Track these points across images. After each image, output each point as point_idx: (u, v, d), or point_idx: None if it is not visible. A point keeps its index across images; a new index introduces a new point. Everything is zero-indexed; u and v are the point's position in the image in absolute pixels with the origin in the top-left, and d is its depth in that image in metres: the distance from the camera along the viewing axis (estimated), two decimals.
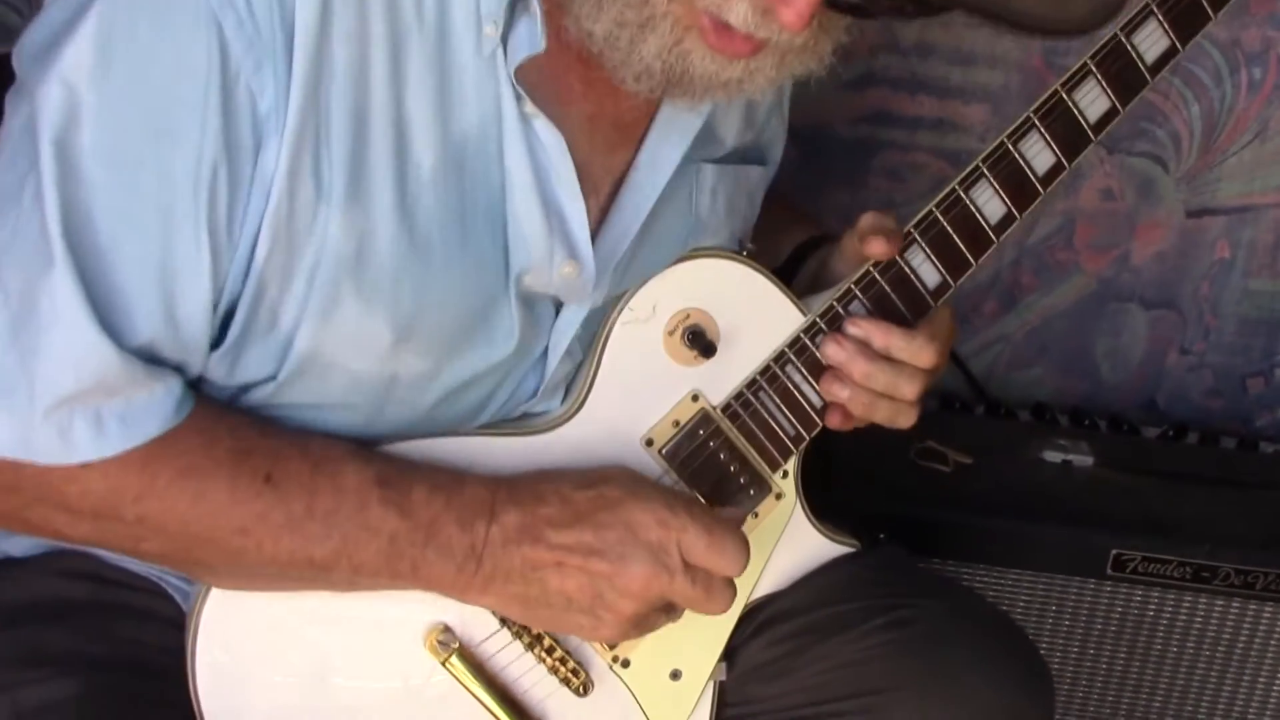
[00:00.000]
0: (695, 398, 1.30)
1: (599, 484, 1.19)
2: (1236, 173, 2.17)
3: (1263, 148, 2.15)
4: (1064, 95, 1.33)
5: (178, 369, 1.11)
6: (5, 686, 1.16)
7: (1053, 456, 2.00)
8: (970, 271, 1.35)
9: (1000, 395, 2.23)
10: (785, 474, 1.34)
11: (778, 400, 1.31)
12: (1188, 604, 1.88)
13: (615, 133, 1.22)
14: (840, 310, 1.31)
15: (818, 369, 1.31)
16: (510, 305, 1.19)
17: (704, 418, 1.30)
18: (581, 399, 1.27)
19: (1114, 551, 1.85)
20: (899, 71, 2.09)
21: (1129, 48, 1.34)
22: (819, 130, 2.11)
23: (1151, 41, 1.35)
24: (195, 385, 1.14)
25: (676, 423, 1.29)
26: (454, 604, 1.21)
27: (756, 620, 1.37)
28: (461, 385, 1.21)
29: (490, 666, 1.26)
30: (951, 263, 1.34)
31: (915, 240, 1.32)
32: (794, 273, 1.40)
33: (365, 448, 1.18)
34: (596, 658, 1.30)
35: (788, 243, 1.42)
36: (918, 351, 1.28)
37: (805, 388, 1.32)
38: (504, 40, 1.11)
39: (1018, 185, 1.34)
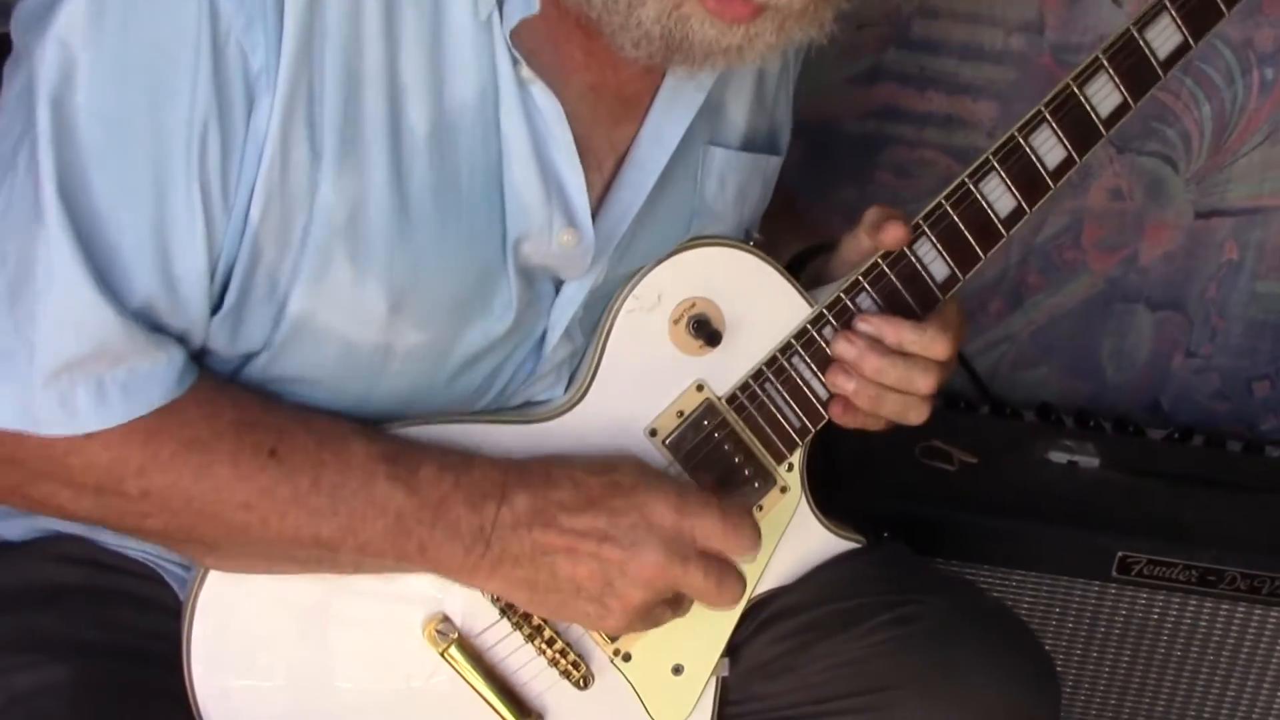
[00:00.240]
0: (700, 388, 1.28)
1: (611, 470, 1.18)
2: (1246, 174, 2.16)
3: (1273, 149, 2.14)
4: (1075, 89, 1.32)
5: (180, 340, 1.10)
6: None
7: (1058, 457, 1.98)
8: (979, 265, 1.33)
9: (1004, 395, 2.22)
10: (790, 467, 1.33)
11: (783, 392, 1.30)
12: (1193, 608, 1.87)
13: (619, 105, 1.21)
14: (848, 302, 1.30)
15: (824, 361, 1.30)
16: (508, 276, 1.17)
17: (709, 408, 1.28)
18: (585, 388, 1.26)
19: (1119, 554, 1.83)
20: (908, 67, 2.08)
21: (1141, 43, 1.33)
22: (826, 125, 2.10)
23: (1164, 37, 1.33)
24: (199, 360, 1.13)
25: (681, 413, 1.28)
26: (454, 594, 1.20)
27: (760, 616, 1.36)
28: (460, 363, 1.20)
29: (489, 657, 1.24)
30: (960, 256, 1.32)
31: (924, 233, 1.30)
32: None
33: (370, 426, 1.17)
34: (598, 650, 1.28)
35: (786, 251, 1.41)
36: (930, 343, 1.27)
37: (811, 380, 1.30)
38: (500, 4, 1.10)
39: (1028, 179, 1.32)
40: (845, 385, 1.28)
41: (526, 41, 1.11)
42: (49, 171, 1.02)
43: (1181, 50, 1.34)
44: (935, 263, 1.31)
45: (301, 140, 1.06)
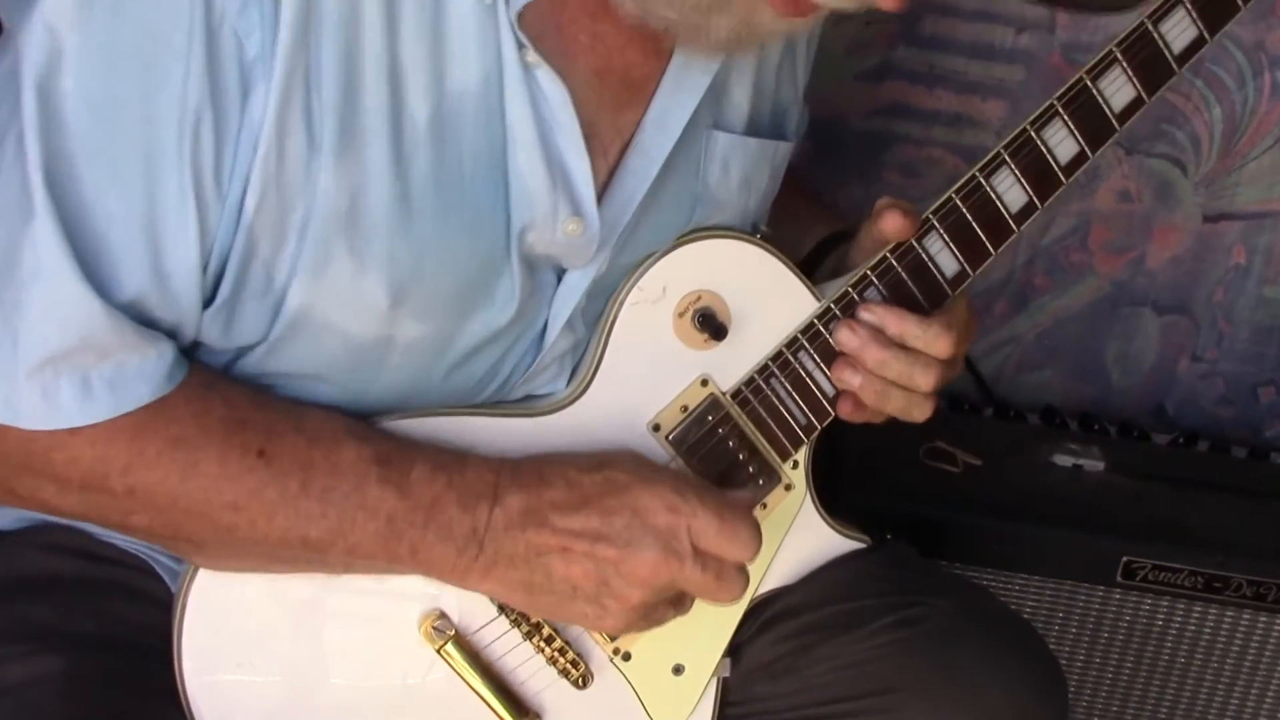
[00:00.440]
0: (704, 382, 1.26)
1: (605, 467, 1.16)
2: (1256, 177, 2.14)
3: None
4: (1089, 83, 1.30)
5: (171, 334, 1.08)
6: None
7: (1063, 460, 1.97)
8: (989, 262, 1.32)
9: (1008, 397, 2.20)
10: (795, 464, 1.32)
11: (789, 387, 1.28)
12: (1197, 614, 1.86)
13: (624, 90, 1.18)
14: (855, 297, 1.28)
15: (831, 356, 1.28)
16: (511, 266, 1.15)
17: (713, 403, 1.27)
18: (587, 381, 1.24)
19: (1124, 558, 1.82)
20: (916, 64, 2.07)
21: (1156, 36, 1.31)
22: (833, 122, 2.08)
23: (1179, 31, 1.32)
24: (190, 354, 1.11)
25: (685, 408, 1.26)
26: (451, 590, 1.18)
27: (762, 616, 1.34)
28: (461, 356, 1.18)
29: (486, 655, 1.22)
30: (970, 251, 1.30)
31: (934, 227, 1.29)
32: (814, 268, 1.37)
33: (365, 425, 1.15)
34: (597, 649, 1.26)
35: (809, 238, 1.40)
36: (933, 340, 1.25)
37: (818, 375, 1.29)
38: None
39: (1040, 173, 1.30)
40: (851, 380, 1.26)
41: (531, 25, 1.09)
42: (36, 159, 0.99)
43: (1197, 45, 1.32)
44: (945, 258, 1.30)
45: (299, 129, 1.03)
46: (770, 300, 1.27)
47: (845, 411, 1.29)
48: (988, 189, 1.29)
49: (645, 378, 1.25)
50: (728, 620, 1.30)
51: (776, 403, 1.28)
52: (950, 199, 1.29)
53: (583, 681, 1.26)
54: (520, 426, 1.22)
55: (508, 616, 1.22)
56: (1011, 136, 1.29)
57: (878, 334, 1.25)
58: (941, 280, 1.30)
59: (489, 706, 1.22)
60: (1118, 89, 1.31)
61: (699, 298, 1.25)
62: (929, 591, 1.34)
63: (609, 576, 1.13)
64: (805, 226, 1.42)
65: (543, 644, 1.24)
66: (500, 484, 1.13)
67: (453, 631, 1.20)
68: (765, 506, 1.30)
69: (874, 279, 1.28)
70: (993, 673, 1.27)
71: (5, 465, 1.07)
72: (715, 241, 1.26)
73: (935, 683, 1.27)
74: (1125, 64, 1.30)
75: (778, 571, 1.34)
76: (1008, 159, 1.29)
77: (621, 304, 1.24)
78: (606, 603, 1.15)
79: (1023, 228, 1.32)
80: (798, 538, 1.34)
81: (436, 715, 1.22)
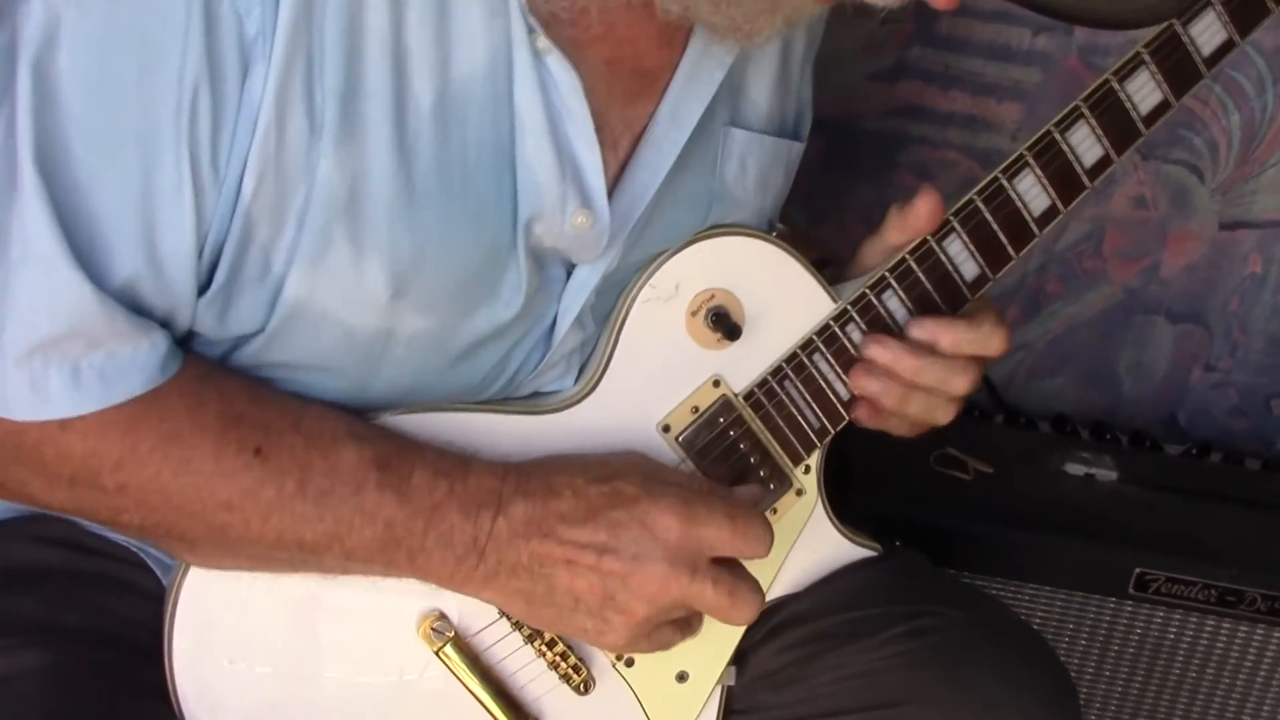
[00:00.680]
0: (716, 383, 1.24)
1: (614, 478, 1.13)
2: (1274, 186, 2.12)
3: None
4: (1115, 85, 1.28)
5: (165, 323, 1.05)
6: None
7: (1075, 469, 1.95)
8: (1010, 266, 1.30)
9: (1019, 404, 2.18)
10: (807, 469, 1.29)
11: (803, 390, 1.26)
12: (1210, 628, 1.83)
13: (636, 81, 1.16)
14: (872, 298, 1.26)
15: (847, 360, 1.26)
16: (518, 259, 1.12)
17: (725, 405, 1.24)
18: (596, 379, 1.21)
19: (1137, 570, 1.80)
20: (932, 64, 2.04)
21: (1186, 39, 1.29)
22: (846, 122, 2.06)
23: (1210, 33, 1.29)
24: (185, 345, 1.08)
25: (696, 408, 1.23)
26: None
27: (769, 623, 1.32)
28: (466, 351, 1.15)
29: (486, 658, 1.20)
30: (991, 255, 1.28)
31: (954, 228, 1.26)
32: None
33: (365, 425, 1.12)
34: (599, 655, 1.24)
35: None
36: (986, 339, 1.25)
37: (833, 378, 1.26)
38: None
39: (1063, 177, 1.28)
40: (869, 386, 1.24)
41: (541, 10, 1.06)
42: (26, 138, 0.97)
43: (1226, 48, 1.30)
44: (965, 261, 1.28)
45: (299, 111, 1.01)
46: (785, 300, 1.25)
47: (863, 417, 1.27)
48: (1010, 191, 1.27)
49: (656, 377, 1.23)
50: (734, 627, 1.27)
51: (790, 405, 1.26)
52: (971, 201, 1.26)
53: (584, 687, 1.23)
54: (526, 424, 1.20)
55: (509, 619, 1.19)
56: (1035, 138, 1.27)
57: (908, 343, 1.24)
58: (961, 283, 1.28)
59: (488, 711, 1.19)
60: (1146, 93, 1.28)
61: (713, 296, 1.22)
62: (940, 601, 1.32)
63: (615, 591, 1.11)
64: None
65: (544, 648, 1.21)
66: (505, 492, 1.10)
67: (452, 633, 1.18)
68: (775, 511, 1.28)
69: (892, 281, 1.26)
70: (1005, 686, 1.25)
71: None
72: (731, 239, 1.23)
73: (946, 696, 1.24)
74: (1153, 66, 1.28)
75: (786, 578, 1.32)
76: (1031, 161, 1.27)
77: (633, 301, 1.21)
78: (610, 617, 1.12)
79: (1045, 231, 1.29)
80: (807, 544, 1.31)
81: (433, 718, 1.20)
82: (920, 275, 1.26)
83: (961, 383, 1.24)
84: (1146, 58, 1.27)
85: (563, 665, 1.22)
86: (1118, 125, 1.28)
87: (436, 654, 1.17)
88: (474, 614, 1.18)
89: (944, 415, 1.26)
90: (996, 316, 1.27)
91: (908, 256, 1.25)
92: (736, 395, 1.24)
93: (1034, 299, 2.20)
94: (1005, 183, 1.26)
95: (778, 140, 1.29)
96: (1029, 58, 2.03)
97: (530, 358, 1.20)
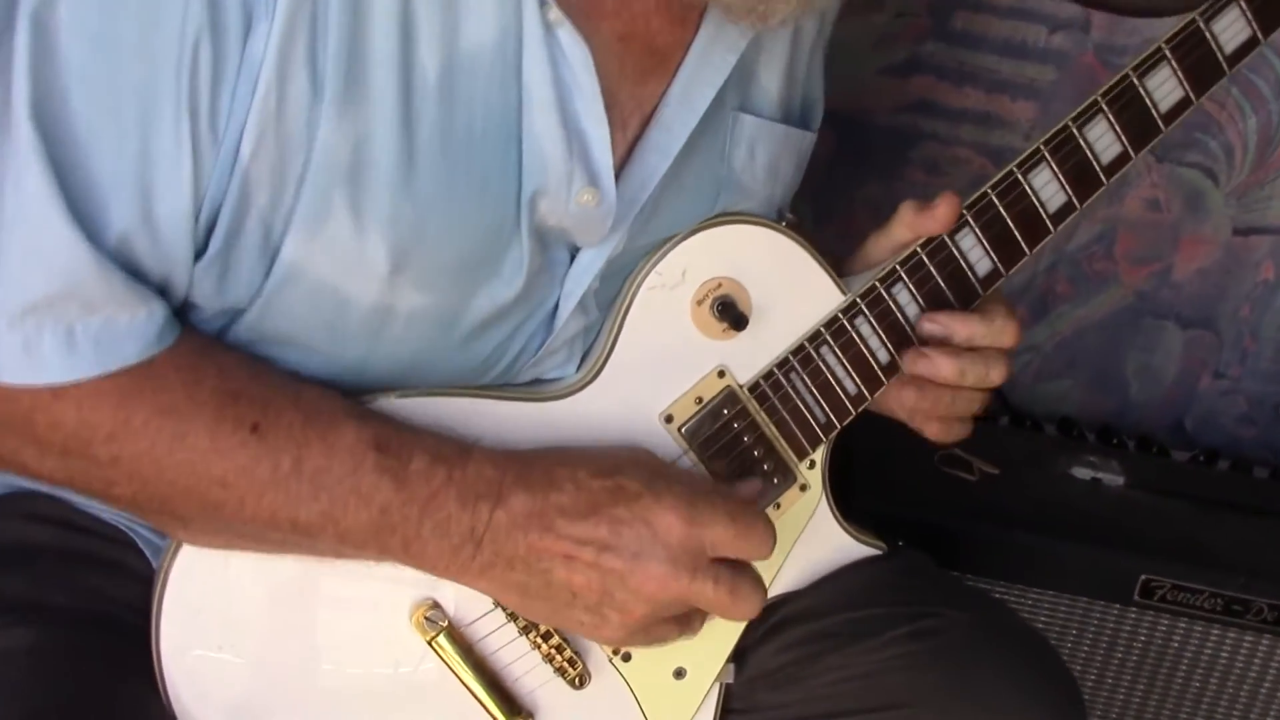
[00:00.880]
0: (721, 374, 1.22)
1: (616, 473, 1.11)
2: None
3: None
4: (1135, 80, 1.26)
5: (162, 290, 1.03)
6: None
7: (1082, 473, 1.92)
8: (1023, 262, 1.28)
9: (1024, 406, 2.15)
10: (812, 464, 1.27)
11: (809, 384, 1.24)
12: (1215, 637, 1.82)
13: (648, 59, 1.14)
14: (882, 291, 1.24)
15: (855, 354, 1.24)
16: (521, 237, 1.11)
17: (729, 396, 1.22)
18: (598, 367, 1.19)
19: (1143, 577, 1.78)
20: (946, 60, 2.02)
21: (1208, 35, 1.27)
22: (857, 117, 2.03)
23: (1233, 31, 1.28)
24: (183, 319, 1.06)
25: (699, 399, 1.21)
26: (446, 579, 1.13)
27: (770, 621, 1.30)
28: (466, 332, 1.13)
29: (480, 649, 1.18)
30: (1004, 250, 1.27)
31: (967, 222, 1.25)
32: None
33: (365, 408, 1.10)
34: (595, 648, 1.22)
35: None
36: (999, 332, 1.24)
37: (840, 372, 1.24)
38: None
39: (1080, 173, 1.26)
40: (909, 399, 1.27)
41: None
42: (23, 91, 0.94)
43: (1249, 46, 1.29)
44: (977, 255, 1.26)
45: (301, 73, 0.98)
46: (794, 291, 1.23)
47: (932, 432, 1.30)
48: (1025, 186, 1.25)
49: (659, 366, 1.20)
50: (733, 624, 1.25)
51: (796, 399, 1.24)
52: (986, 194, 1.25)
53: (579, 681, 1.21)
54: (526, 411, 1.17)
55: (504, 609, 1.17)
56: (1053, 132, 1.25)
57: (945, 346, 1.23)
58: (973, 279, 1.26)
59: (480, 703, 1.17)
60: (1167, 89, 1.27)
61: (719, 285, 1.20)
62: (944, 603, 1.30)
63: (613, 588, 1.09)
64: None
65: (539, 640, 1.19)
66: (505, 483, 1.08)
67: (445, 622, 1.16)
68: (779, 507, 1.26)
69: (903, 274, 1.24)
70: (1010, 692, 1.23)
71: None
72: (739, 227, 1.21)
73: (949, 700, 1.22)
74: (1174, 63, 1.26)
75: (787, 575, 1.30)
76: (1048, 156, 1.25)
77: (638, 287, 1.19)
78: (607, 613, 1.10)
79: (1059, 228, 1.28)
80: (810, 541, 1.29)
81: (425, 709, 1.18)
82: (932, 269, 1.24)
83: (998, 373, 1.24)
84: (1168, 53, 1.26)
85: (558, 658, 1.19)
86: (1137, 122, 1.26)
87: (429, 643, 1.15)
88: (468, 604, 1.16)
89: (979, 406, 1.28)
90: (1008, 310, 1.26)
91: (919, 250, 1.24)
92: (741, 387, 1.22)
93: (1043, 300, 2.18)
94: (1021, 177, 1.25)
95: (788, 128, 1.27)
96: (1045, 55, 2.01)
97: (531, 342, 1.18)
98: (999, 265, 1.26)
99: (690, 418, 1.21)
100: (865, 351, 1.24)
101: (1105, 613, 1.81)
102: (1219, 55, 1.27)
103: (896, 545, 1.37)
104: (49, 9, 0.94)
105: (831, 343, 1.23)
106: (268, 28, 0.96)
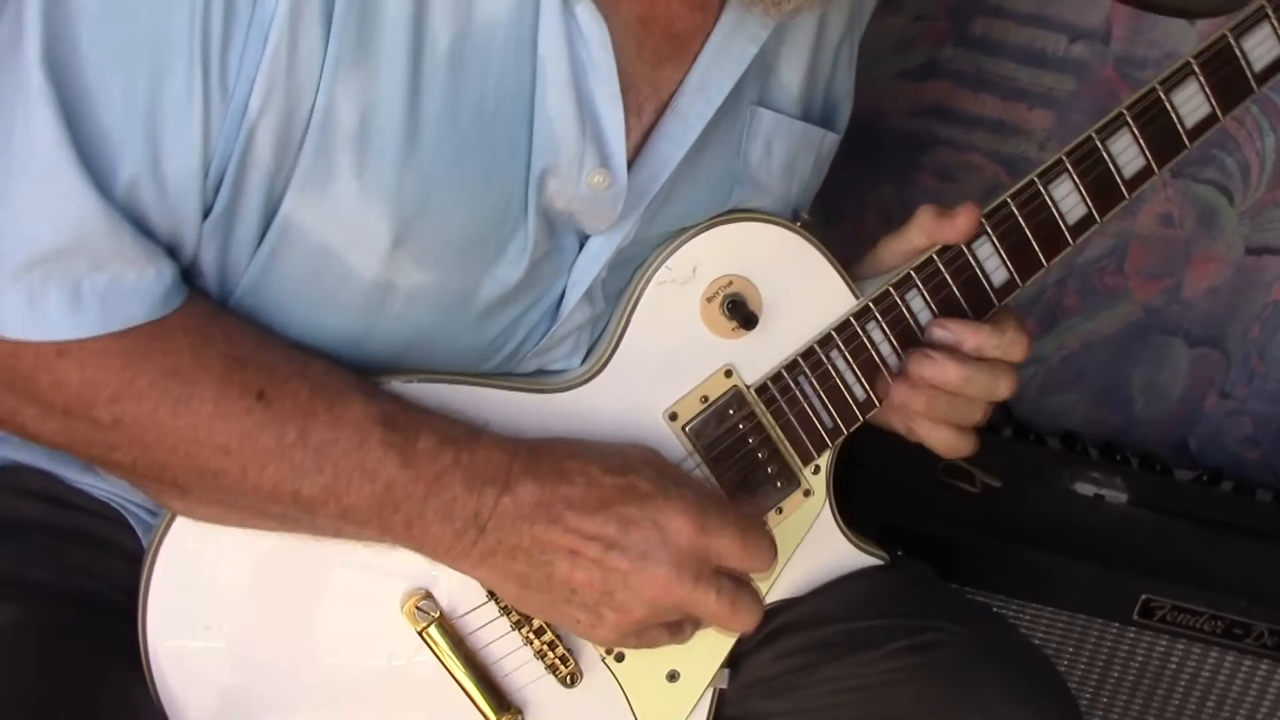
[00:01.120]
0: (729, 373, 1.20)
1: (629, 472, 1.09)
2: None
3: None
4: (1162, 95, 1.24)
5: (170, 249, 1.02)
6: None
7: (1085, 489, 1.91)
8: (1040, 274, 1.26)
9: (1028, 419, 2.14)
10: (817, 469, 1.25)
11: (818, 387, 1.22)
12: (1213, 660, 1.81)
13: (665, 43, 1.12)
14: (896, 298, 1.22)
15: (865, 359, 1.22)
16: (527, 217, 1.09)
17: (736, 397, 1.20)
18: (604, 360, 1.17)
19: (1143, 597, 1.77)
20: (964, 65, 2.00)
21: (1238, 51, 1.25)
22: (871, 119, 2.01)
23: (1265, 48, 1.26)
24: (189, 282, 1.05)
25: (705, 398, 1.19)
26: (440, 568, 1.11)
27: (767, 628, 1.28)
28: (469, 313, 1.11)
29: (471, 642, 1.16)
30: (1021, 261, 1.25)
31: (986, 231, 1.23)
32: None
33: (372, 384, 1.08)
34: (588, 646, 1.20)
35: None
36: (1010, 345, 1.22)
37: (849, 378, 1.23)
38: None
39: (1102, 185, 1.24)
40: (897, 394, 1.23)
41: None
42: (35, 38, 0.93)
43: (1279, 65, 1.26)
44: (994, 265, 1.25)
45: (312, 29, 0.97)
46: (806, 293, 1.21)
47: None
48: (1046, 196, 1.23)
49: (666, 362, 1.19)
50: None
51: (803, 402, 1.22)
52: (1006, 204, 1.23)
53: (571, 679, 1.19)
54: (528, 402, 1.16)
55: (498, 603, 1.15)
56: (1076, 143, 1.23)
57: (953, 352, 1.21)
58: (988, 288, 1.24)
59: (469, 697, 1.15)
60: (1194, 105, 1.25)
61: (730, 283, 1.18)
62: (946, 617, 1.28)
63: (615, 588, 1.07)
64: None
65: (532, 635, 1.17)
66: (514, 470, 1.06)
67: (438, 613, 1.14)
68: (781, 511, 1.24)
69: (918, 281, 1.22)
70: (1010, 710, 1.20)
71: None
72: (753, 225, 1.19)
73: (949, 716, 1.21)
74: (1202, 78, 1.24)
75: (787, 582, 1.28)
76: (1070, 167, 1.23)
77: (647, 280, 1.17)
78: (604, 613, 1.09)
79: (1078, 242, 1.26)
80: (811, 547, 1.27)
81: (412, 702, 1.16)
82: (947, 277, 1.23)
83: (1005, 386, 1.22)
84: (1196, 68, 1.24)
85: (550, 655, 1.18)
86: (1161, 136, 1.24)
87: (420, 634, 1.14)
88: (462, 596, 1.15)
89: (982, 416, 1.25)
90: (1019, 323, 1.25)
91: (935, 257, 1.22)
92: (749, 387, 1.20)
93: (1051, 313, 2.16)
94: (1041, 187, 1.23)
95: (807, 126, 1.25)
96: (1064, 65, 1.99)
97: (535, 331, 1.17)
98: (1015, 276, 1.24)
99: (695, 417, 1.19)
100: (876, 357, 1.22)
101: (1104, 631, 1.80)
102: (1248, 72, 1.25)
103: (896, 555, 1.35)
104: None
105: (842, 347, 1.21)
106: None
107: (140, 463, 1.03)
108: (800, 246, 1.20)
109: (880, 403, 1.23)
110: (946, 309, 1.23)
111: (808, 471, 1.24)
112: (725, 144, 1.18)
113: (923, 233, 1.22)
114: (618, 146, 1.08)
